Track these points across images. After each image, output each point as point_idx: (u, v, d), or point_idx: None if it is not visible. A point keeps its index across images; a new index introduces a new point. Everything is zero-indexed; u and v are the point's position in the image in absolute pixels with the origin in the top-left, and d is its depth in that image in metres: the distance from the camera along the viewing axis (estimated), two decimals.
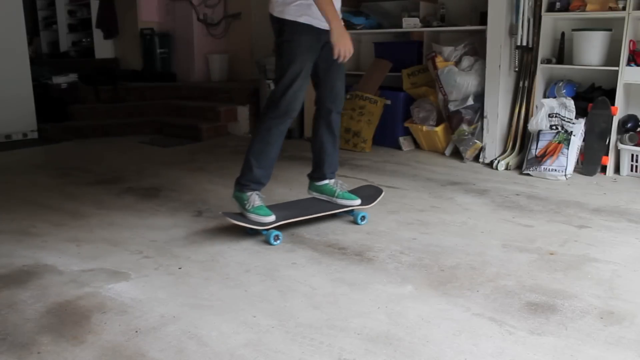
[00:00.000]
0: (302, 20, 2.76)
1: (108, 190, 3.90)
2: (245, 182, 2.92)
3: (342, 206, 3.12)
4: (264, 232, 2.86)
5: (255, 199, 2.90)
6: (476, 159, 4.58)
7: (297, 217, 2.98)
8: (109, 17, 8.01)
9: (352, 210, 3.16)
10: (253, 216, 2.87)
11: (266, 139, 2.87)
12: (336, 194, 3.13)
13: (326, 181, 3.15)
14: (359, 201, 3.13)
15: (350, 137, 5.05)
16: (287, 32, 2.80)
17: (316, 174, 3.16)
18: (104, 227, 3.16)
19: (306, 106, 4.50)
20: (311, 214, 3.04)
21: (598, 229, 3.02)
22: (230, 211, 3.00)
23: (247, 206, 2.89)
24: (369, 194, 3.27)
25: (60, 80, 6.30)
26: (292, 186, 3.77)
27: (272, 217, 2.87)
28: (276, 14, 2.82)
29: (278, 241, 2.84)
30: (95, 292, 2.35)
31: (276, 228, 2.87)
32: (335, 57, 2.72)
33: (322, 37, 2.81)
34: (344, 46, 2.69)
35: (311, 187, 3.22)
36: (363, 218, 3.14)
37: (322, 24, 2.76)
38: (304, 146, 5.17)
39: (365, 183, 3.68)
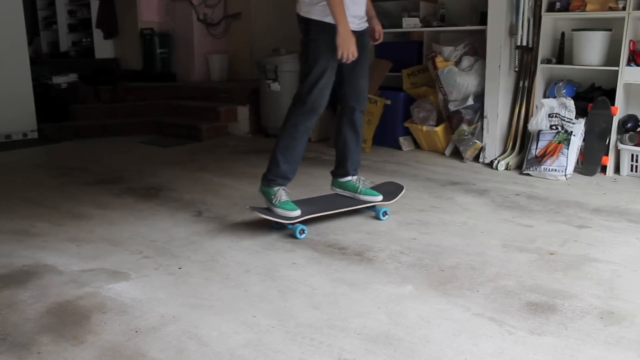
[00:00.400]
0: (328, 20, 2.82)
1: (108, 190, 3.90)
2: (272, 177, 2.99)
3: (364, 202, 3.19)
4: (290, 226, 2.93)
5: (282, 193, 2.97)
6: (476, 159, 4.58)
7: (322, 212, 3.05)
8: (109, 17, 8.01)
9: (374, 206, 3.22)
10: (280, 211, 2.93)
11: (293, 134, 2.95)
12: (359, 190, 3.20)
13: (349, 178, 3.23)
14: (380, 197, 3.20)
15: None
16: (313, 31, 2.88)
17: (339, 171, 3.24)
18: (104, 227, 3.17)
19: None
20: (335, 209, 3.11)
21: (598, 229, 3.02)
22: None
23: (274, 201, 2.96)
24: (390, 190, 3.34)
25: (60, 80, 6.30)
26: (292, 186, 3.77)
27: (298, 212, 2.94)
28: (303, 13, 2.90)
29: (304, 235, 2.90)
30: (95, 292, 2.35)
31: (301, 222, 2.93)
32: (339, 57, 2.82)
33: None
34: (347, 50, 2.79)
35: (334, 184, 3.29)
36: (385, 214, 3.20)
37: None
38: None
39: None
